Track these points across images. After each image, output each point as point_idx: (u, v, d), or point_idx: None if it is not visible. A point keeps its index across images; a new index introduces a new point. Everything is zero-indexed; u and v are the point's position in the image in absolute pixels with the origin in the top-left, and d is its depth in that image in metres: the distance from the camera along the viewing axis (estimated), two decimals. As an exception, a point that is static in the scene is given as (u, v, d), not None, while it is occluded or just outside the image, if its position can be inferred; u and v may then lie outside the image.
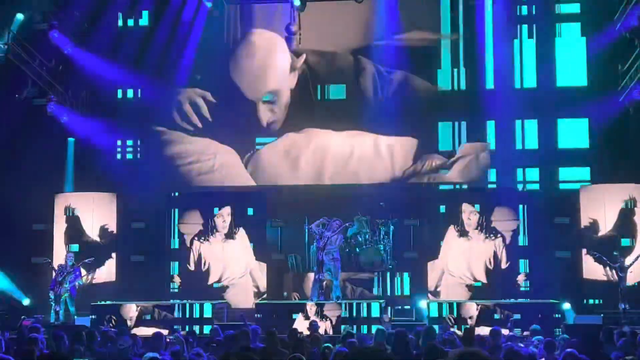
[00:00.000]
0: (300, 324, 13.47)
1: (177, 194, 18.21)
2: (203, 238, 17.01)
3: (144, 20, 18.62)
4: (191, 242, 17.02)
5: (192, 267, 16.87)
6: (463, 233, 16.43)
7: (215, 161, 18.32)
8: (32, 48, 16.54)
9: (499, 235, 16.28)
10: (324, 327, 13.64)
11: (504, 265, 16.14)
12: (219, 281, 16.85)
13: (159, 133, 18.49)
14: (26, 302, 16.15)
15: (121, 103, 18.47)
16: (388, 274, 16.46)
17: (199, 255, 16.94)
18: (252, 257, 16.92)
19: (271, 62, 18.35)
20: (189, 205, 17.42)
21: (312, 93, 18.26)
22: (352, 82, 18.16)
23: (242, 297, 16.69)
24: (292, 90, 18.30)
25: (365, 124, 17.83)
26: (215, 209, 17.10)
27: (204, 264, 16.91)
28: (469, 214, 16.45)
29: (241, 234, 16.98)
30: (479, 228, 16.33)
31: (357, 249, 16.59)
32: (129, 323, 14.17)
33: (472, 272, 16.29)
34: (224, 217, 17.03)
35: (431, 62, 18.00)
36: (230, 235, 16.96)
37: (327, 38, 18.15)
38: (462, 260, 16.36)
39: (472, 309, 14.04)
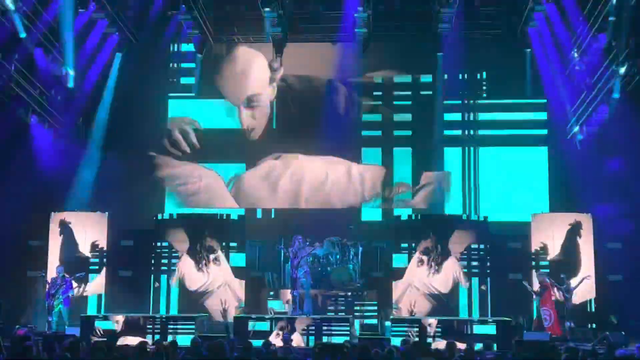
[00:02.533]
0: (274, 337, 13.50)
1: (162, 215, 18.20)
2: (190, 259, 16.95)
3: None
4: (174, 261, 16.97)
5: (174, 281, 16.80)
6: (421, 263, 16.54)
7: (201, 184, 18.48)
8: (32, 77, 16.55)
9: (455, 260, 16.36)
10: (297, 339, 13.66)
11: (464, 285, 16.24)
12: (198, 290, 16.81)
13: (150, 157, 18.67)
14: None
15: (114, 129, 18.52)
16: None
17: (183, 273, 16.86)
18: (230, 275, 16.92)
19: (252, 69, 18.77)
20: (175, 225, 17.45)
21: (291, 105, 18.50)
22: (326, 105, 18.40)
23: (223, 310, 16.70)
24: (272, 103, 18.47)
25: (338, 151, 18.14)
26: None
27: (187, 279, 16.86)
28: (419, 258, 16.47)
29: (223, 259, 16.99)
30: (433, 263, 16.37)
31: (329, 268, 16.71)
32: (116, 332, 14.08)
33: (434, 288, 16.37)
34: (218, 258, 16.94)
35: (398, 97, 18.40)
36: (216, 260, 16.99)
37: (305, 69, 18.62)
38: (424, 280, 16.44)
39: (431, 324, 14.09)
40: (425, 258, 16.27)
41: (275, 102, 18.73)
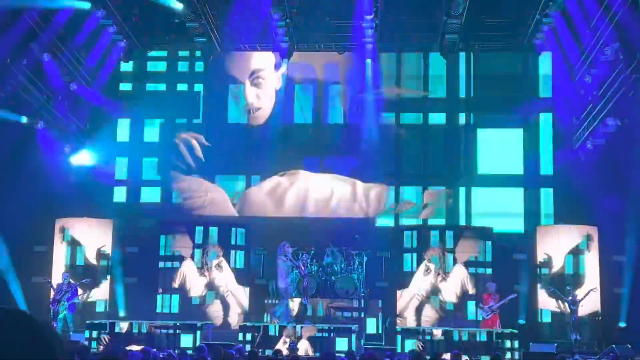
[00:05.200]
0: (282, 344, 13.40)
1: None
2: (193, 264, 16.80)
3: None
4: (180, 262, 16.79)
5: (176, 284, 16.65)
6: (428, 272, 16.41)
7: (206, 199, 18.34)
8: (39, 82, 16.49)
9: (462, 267, 16.24)
10: (304, 348, 13.54)
11: (471, 292, 16.10)
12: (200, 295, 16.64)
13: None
14: None
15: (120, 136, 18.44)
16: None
17: (184, 275, 16.69)
18: (233, 282, 16.79)
19: (257, 52, 18.67)
20: (180, 231, 17.33)
21: (300, 104, 18.39)
22: (330, 110, 18.32)
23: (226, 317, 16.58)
24: (277, 92, 18.41)
25: (343, 165, 18.03)
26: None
27: (188, 282, 16.68)
28: (427, 265, 16.35)
29: (225, 265, 16.84)
30: (441, 271, 16.25)
31: (333, 278, 16.60)
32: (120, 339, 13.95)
33: (442, 296, 16.23)
34: (221, 264, 16.78)
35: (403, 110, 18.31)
36: (218, 266, 16.81)
37: (312, 78, 18.50)
38: (431, 289, 16.30)
39: (438, 335, 13.99)
40: (432, 266, 16.18)
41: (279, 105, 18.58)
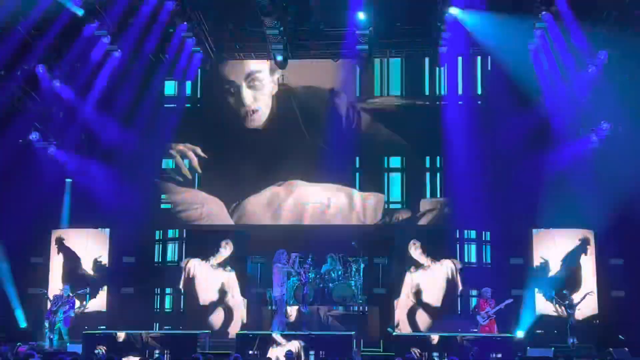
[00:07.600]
0: (277, 354, 13.42)
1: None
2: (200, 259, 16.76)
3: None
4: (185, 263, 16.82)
5: (181, 287, 16.63)
6: (418, 265, 16.47)
7: (203, 210, 18.39)
8: (36, 95, 16.58)
9: (448, 262, 16.29)
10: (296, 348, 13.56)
11: (460, 288, 16.13)
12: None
13: (154, 182, 18.56)
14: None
15: (116, 151, 18.50)
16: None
17: (190, 276, 16.67)
18: (237, 291, 16.86)
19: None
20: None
21: (295, 107, 18.40)
22: (327, 116, 18.37)
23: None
24: (274, 98, 18.51)
25: (338, 175, 18.06)
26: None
27: (194, 283, 16.67)
28: (413, 246, 16.44)
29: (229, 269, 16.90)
30: (426, 255, 16.33)
31: (330, 285, 16.67)
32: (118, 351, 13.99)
33: (432, 297, 16.27)
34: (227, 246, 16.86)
35: (399, 122, 18.35)
36: (223, 265, 16.85)
37: (307, 83, 18.61)
38: (421, 289, 16.35)
39: (434, 340, 14.02)
40: (423, 258, 16.26)
41: (277, 112, 18.65)
